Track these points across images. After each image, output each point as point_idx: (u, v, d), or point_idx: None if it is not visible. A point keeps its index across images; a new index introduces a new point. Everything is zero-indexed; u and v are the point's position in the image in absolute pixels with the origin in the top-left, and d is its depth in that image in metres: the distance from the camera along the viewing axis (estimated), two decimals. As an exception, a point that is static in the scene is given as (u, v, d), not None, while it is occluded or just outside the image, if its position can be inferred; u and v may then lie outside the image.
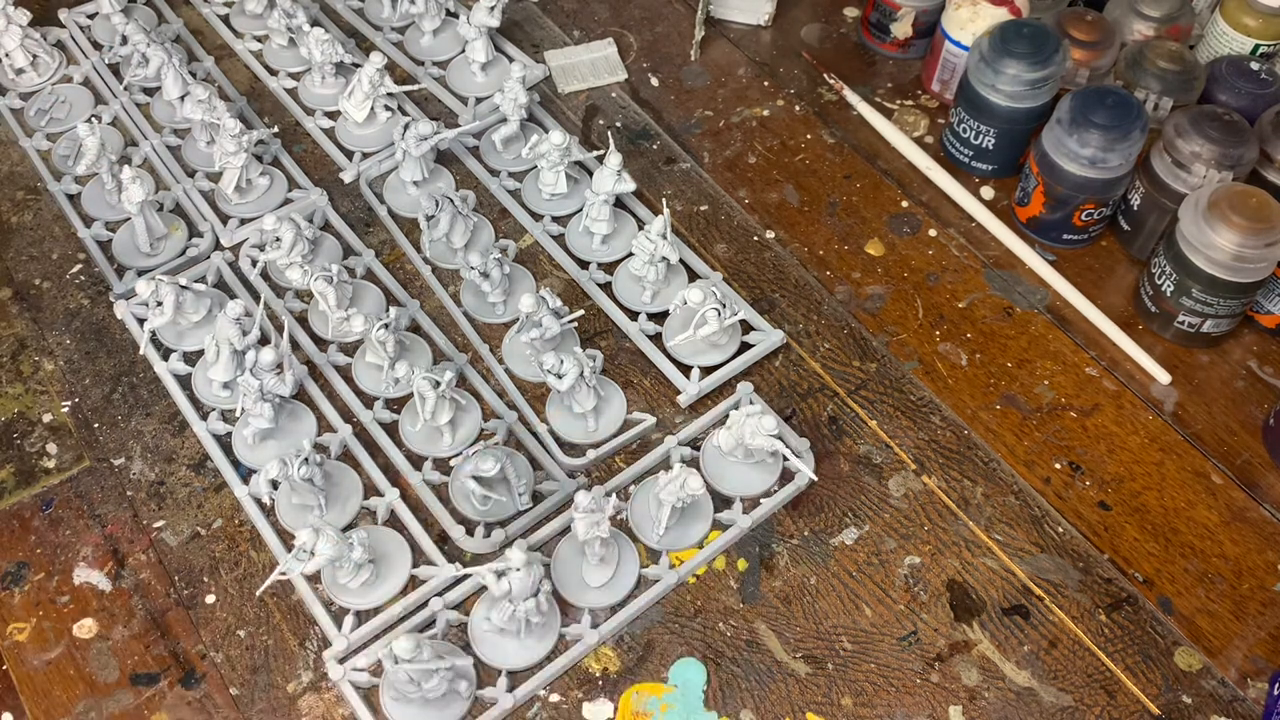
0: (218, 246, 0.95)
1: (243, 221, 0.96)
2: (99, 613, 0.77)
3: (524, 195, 0.99)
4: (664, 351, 0.89)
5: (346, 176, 1.00)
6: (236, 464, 0.83)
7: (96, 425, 0.85)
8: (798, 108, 1.08)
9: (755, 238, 0.98)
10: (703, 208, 1.00)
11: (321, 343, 0.90)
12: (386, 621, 0.76)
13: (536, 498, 0.81)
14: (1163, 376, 0.90)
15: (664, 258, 0.89)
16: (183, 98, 1.01)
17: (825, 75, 1.10)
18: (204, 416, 0.85)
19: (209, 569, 0.79)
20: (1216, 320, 0.89)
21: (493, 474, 0.77)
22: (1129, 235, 0.96)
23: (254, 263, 0.92)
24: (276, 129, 1.03)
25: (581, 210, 0.96)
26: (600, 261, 0.95)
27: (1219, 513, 0.83)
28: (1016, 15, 1.00)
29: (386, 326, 0.83)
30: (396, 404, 0.86)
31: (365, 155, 1.02)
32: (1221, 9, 1.00)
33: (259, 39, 1.11)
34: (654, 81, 1.10)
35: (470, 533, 0.79)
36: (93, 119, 1.03)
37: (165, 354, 0.88)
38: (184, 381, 0.87)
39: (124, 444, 0.84)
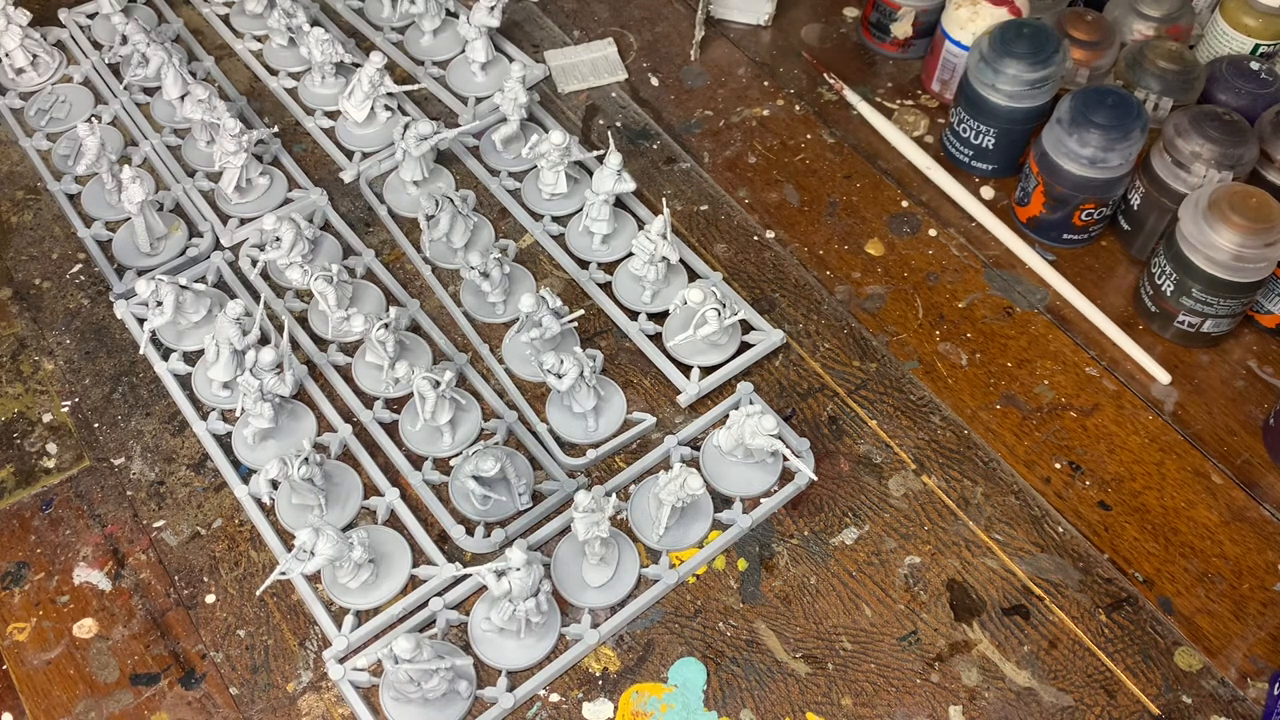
0: (218, 246, 0.95)
1: (243, 221, 0.96)
2: (99, 612, 0.77)
3: (524, 195, 0.99)
4: (664, 351, 0.89)
5: (346, 176, 1.00)
6: (236, 464, 0.83)
7: (96, 425, 0.85)
8: (798, 108, 1.08)
9: (755, 238, 0.98)
10: (703, 208, 1.00)
11: (321, 343, 0.90)
12: (386, 621, 0.76)
13: (536, 498, 0.81)
14: (1163, 376, 0.90)
15: (664, 257, 0.89)
16: (183, 97, 1.01)
17: (825, 75, 1.10)
18: (204, 416, 0.85)
19: (209, 569, 0.79)
20: (1216, 320, 0.89)
21: (493, 474, 0.77)
22: (1129, 235, 0.96)
23: (254, 263, 0.92)
24: (276, 129, 1.03)
25: (581, 210, 0.96)
26: (600, 261, 0.95)
27: (1219, 513, 0.83)
28: (1016, 15, 1.00)
29: (386, 326, 0.83)
30: (396, 404, 0.86)
31: (365, 155, 1.02)
32: (1221, 9, 1.00)
33: (259, 39, 1.11)
34: (654, 81, 1.10)
35: (470, 533, 0.79)
36: (93, 119, 1.03)
37: (165, 354, 0.88)
38: (184, 381, 0.87)
39: (124, 444, 0.84)
